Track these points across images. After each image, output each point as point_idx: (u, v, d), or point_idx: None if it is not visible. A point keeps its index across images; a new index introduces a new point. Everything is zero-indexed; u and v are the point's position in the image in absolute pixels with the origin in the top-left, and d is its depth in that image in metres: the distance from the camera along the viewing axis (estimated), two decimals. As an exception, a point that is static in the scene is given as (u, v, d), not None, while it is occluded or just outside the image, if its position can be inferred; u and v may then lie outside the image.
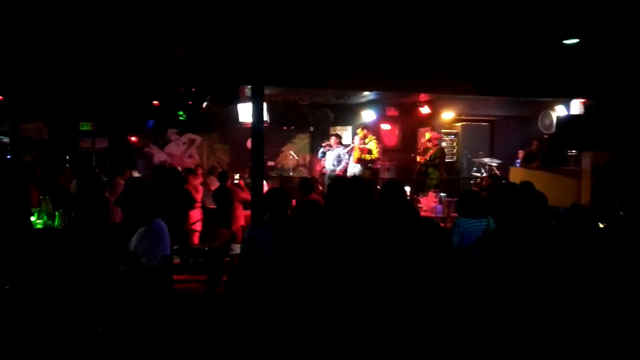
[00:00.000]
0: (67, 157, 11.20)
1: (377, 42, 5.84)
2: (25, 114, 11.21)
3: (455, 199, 7.92)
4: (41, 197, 5.91)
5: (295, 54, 5.97)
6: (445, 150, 10.54)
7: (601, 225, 5.12)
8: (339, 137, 9.69)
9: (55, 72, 8.38)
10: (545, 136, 9.86)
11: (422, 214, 7.66)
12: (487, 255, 3.11)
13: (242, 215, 7.45)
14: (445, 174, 10.01)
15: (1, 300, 4.16)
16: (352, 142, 10.15)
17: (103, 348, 3.92)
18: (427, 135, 10.14)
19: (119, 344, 3.97)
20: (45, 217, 5.36)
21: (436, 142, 9.90)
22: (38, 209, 5.59)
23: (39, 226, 5.25)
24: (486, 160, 10.02)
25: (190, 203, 6.55)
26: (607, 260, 3.47)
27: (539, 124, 10.51)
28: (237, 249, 5.36)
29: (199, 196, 7.31)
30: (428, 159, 9.71)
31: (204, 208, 7.55)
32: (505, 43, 6.20)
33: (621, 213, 5.62)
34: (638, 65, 6.75)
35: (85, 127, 11.83)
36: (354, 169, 9.36)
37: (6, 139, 11.46)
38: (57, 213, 5.18)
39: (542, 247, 2.85)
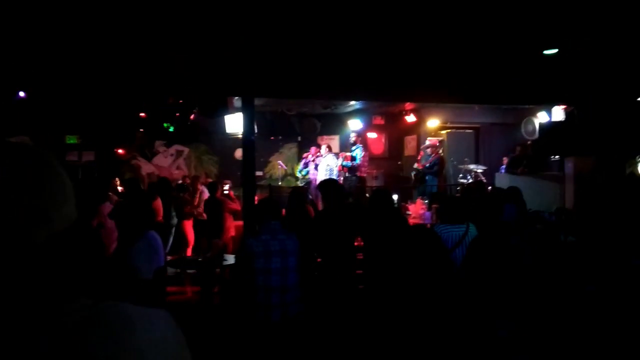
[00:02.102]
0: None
1: (364, 52, 5.96)
2: (9, 127, 11.11)
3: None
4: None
5: (284, 64, 6.06)
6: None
7: (585, 229, 5.26)
8: (329, 146, 9.79)
9: (40, 84, 8.35)
10: (529, 142, 10.07)
11: (411, 221, 7.76)
12: (469, 265, 3.19)
13: (232, 226, 7.48)
14: (443, 182, 10.14)
15: None
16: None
17: None
18: (427, 142, 10.27)
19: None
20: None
21: (436, 150, 10.00)
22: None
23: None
24: (472, 166, 10.19)
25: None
26: (590, 264, 3.58)
27: (522, 130, 10.74)
28: (230, 259, 5.39)
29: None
30: (427, 166, 9.82)
31: (194, 219, 7.58)
32: (488, 53, 6.36)
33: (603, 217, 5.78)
34: (616, 72, 6.97)
35: (72, 140, 11.75)
36: (340, 177, 9.44)
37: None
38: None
39: (525, 252, 2.95)
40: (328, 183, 4.87)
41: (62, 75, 7.58)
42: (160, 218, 6.76)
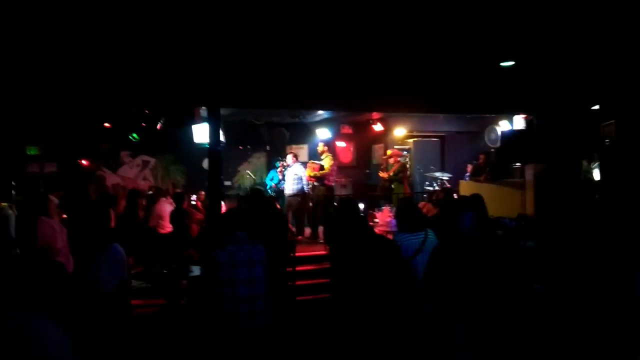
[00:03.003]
0: (13, 183, 10.76)
1: (330, 62, 6.05)
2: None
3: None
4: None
5: (250, 74, 6.09)
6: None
7: (543, 234, 5.45)
8: (295, 155, 9.82)
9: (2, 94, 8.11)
10: (492, 150, 10.37)
11: (378, 228, 7.87)
12: (430, 273, 3.28)
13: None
14: (409, 188, 10.31)
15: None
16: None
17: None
18: (389, 152, 10.44)
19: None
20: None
21: (398, 158, 10.20)
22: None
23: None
24: (437, 174, 10.40)
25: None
26: (544, 266, 3.73)
27: (486, 138, 11.04)
28: (196, 270, 5.35)
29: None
30: (392, 174, 9.99)
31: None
32: (449, 64, 6.56)
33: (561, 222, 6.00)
34: (572, 82, 7.28)
35: (32, 151, 11.41)
36: (307, 186, 9.48)
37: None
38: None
39: (487, 260, 3.06)
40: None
41: (22, 83, 7.38)
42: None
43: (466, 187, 8.84)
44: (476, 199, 3.98)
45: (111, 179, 11.85)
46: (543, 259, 4.23)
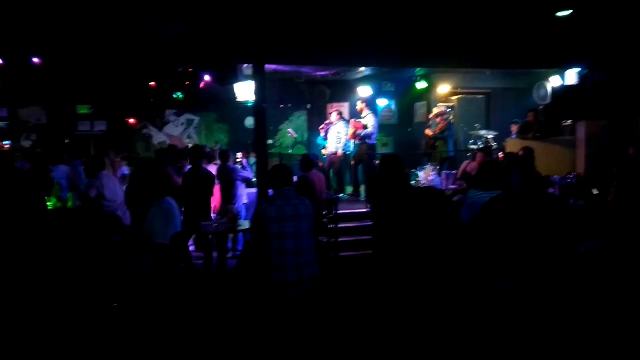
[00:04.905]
0: (67, 141, 11.24)
1: (375, 17, 5.90)
2: (23, 97, 11.20)
3: (454, 172, 8.09)
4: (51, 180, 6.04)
5: (296, 30, 6.01)
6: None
7: (595, 192, 5.28)
8: (340, 113, 9.73)
9: (51, 54, 8.37)
10: (541, 107, 9.96)
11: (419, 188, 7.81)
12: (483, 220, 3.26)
13: (244, 194, 7.60)
14: (454, 147, 10.13)
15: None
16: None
17: (120, 323, 4.10)
18: (435, 111, 10.21)
19: (135, 319, 4.14)
20: (54, 200, 5.49)
21: (444, 116, 9.96)
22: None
23: (50, 207, 5.38)
24: (483, 132, 10.13)
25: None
26: (595, 224, 3.64)
27: (534, 95, 10.60)
28: (243, 225, 5.51)
29: None
30: (437, 132, 9.80)
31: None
32: (499, 15, 6.27)
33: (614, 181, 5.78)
34: (632, 35, 6.83)
35: (83, 110, 11.82)
36: (350, 143, 9.45)
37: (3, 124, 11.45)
38: (69, 195, 5.31)
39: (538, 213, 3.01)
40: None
41: (73, 45, 7.59)
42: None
43: (513, 146, 8.59)
44: (526, 153, 3.87)
45: (158, 137, 12.20)
46: (595, 218, 4.11)
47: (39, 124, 11.55)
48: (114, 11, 6.12)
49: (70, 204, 5.33)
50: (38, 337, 3.68)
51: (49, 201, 5.57)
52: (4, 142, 10.73)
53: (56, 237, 4.47)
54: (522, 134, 9.15)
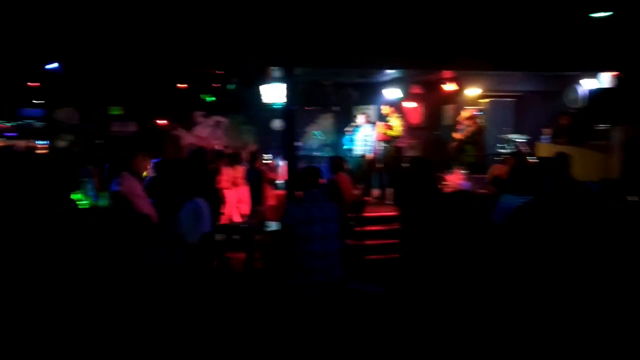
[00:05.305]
0: (99, 141, 11.55)
1: (405, 19, 5.87)
2: (58, 98, 11.56)
3: (483, 176, 7.98)
4: (81, 179, 6.22)
5: (325, 34, 6.03)
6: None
7: (631, 199, 5.13)
8: (367, 115, 9.72)
9: (86, 56, 8.61)
10: (572, 111, 9.73)
11: (448, 191, 7.73)
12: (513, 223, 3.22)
13: (271, 195, 7.66)
14: (483, 151, 10.00)
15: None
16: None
17: (150, 318, 4.17)
18: (464, 114, 10.10)
19: (164, 316, 4.21)
20: (89, 199, 5.65)
21: (474, 120, 9.85)
22: (80, 190, 5.90)
23: (85, 206, 5.53)
24: (512, 136, 9.95)
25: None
26: (630, 230, 3.54)
27: (565, 98, 10.37)
28: (271, 226, 5.56)
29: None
30: (467, 136, 9.69)
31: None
32: (532, 16, 6.16)
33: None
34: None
35: (115, 111, 12.13)
36: (377, 147, 9.41)
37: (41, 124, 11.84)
38: (102, 194, 5.45)
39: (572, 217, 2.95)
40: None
41: (106, 48, 7.80)
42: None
43: (544, 150, 8.41)
44: (561, 158, 3.79)
45: (187, 139, 12.40)
46: (629, 224, 4.00)
47: (73, 124, 11.90)
48: (146, 17, 6.27)
49: (103, 202, 5.47)
50: (76, 330, 3.77)
51: (81, 200, 5.73)
52: (41, 142, 11.10)
53: (88, 234, 4.59)
54: (553, 138, 8.96)
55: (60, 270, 3.64)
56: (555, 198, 3.14)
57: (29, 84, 10.47)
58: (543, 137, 9.74)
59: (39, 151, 10.21)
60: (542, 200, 3.21)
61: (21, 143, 10.86)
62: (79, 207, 5.50)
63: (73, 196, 5.66)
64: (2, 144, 10.59)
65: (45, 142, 11.19)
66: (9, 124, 11.52)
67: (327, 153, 11.75)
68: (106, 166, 6.93)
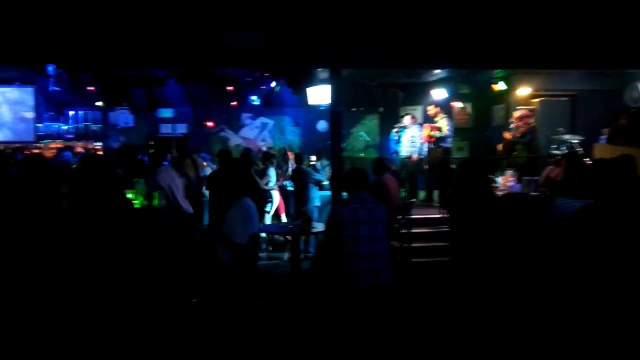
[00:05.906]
0: (151, 143, 11.95)
1: (455, 17, 5.74)
2: (112, 99, 12.01)
3: (535, 178, 7.70)
4: (135, 179, 6.45)
5: (371, 34, 5.99)
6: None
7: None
8: (413, 116, 9.59)
9: (138, 61, 8.90)
10: (633, 110, 9.24)
11: (498, 193, 7.50)
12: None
13: (317, 196, 7.69)
14: (535, 152, 9.67)
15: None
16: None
17: (195, 317, 4.26)
18: (517, 113, 9.79)
19: (210, 315, 4.29)
20: (141, 198, 5.85)
21: (527, 120, 9.53)
22: (133, 190, 6.13)
23: (137, 205, 5.73)
24: (567, 137, 9.54)
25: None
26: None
27: (626, 97, 9.86)
28: (317, 227, 5.57)
29: None
30: (518, 136, 9.39)
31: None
32: (590, 12, 5.88)
33: None
34: None
35: (166, 113, 12.52)
36: (424, 147, 9.27)
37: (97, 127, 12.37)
38: (155, 194, 5.64)
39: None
40: None
41: (156, 51, 8.04)
42: None
43: (602, 151, 8.02)
44: (625, 160, 3.57)
45: (234, 140, 12.69)
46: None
47: (126, 127, 12.37)
48: (193, 17, 6.41)
49: (155, 202, 5.66)
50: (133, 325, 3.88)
51: (136, 199, 5.94)
52: (97, 144, 11.60)
53: (139, 232, 4.73)
54: (610, 139, 8.53)
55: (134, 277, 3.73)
56: (618, 202, 2.97)
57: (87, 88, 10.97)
58: (602, 137, 9.30)
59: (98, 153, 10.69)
60: (601, 205, 3.04)
61: (79, 145, 11.39)
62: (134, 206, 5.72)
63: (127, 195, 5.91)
64: (61, 145, 11.11)
65: (99, 143, 11.69)
66: (66, 127, 12.09)
67: (371, 154, 11.67)
68: (145, 159, 7.18)
